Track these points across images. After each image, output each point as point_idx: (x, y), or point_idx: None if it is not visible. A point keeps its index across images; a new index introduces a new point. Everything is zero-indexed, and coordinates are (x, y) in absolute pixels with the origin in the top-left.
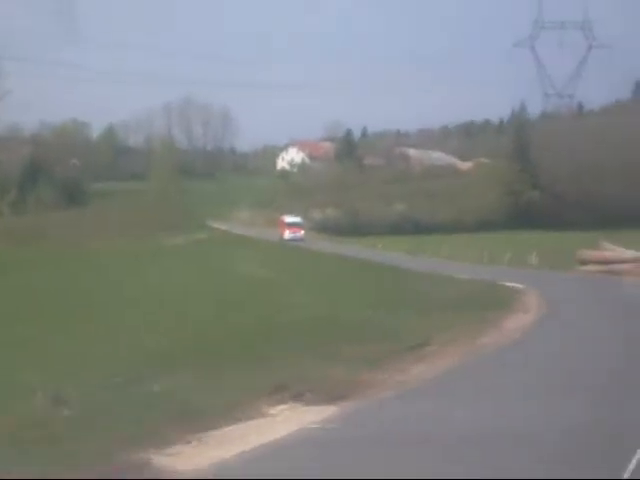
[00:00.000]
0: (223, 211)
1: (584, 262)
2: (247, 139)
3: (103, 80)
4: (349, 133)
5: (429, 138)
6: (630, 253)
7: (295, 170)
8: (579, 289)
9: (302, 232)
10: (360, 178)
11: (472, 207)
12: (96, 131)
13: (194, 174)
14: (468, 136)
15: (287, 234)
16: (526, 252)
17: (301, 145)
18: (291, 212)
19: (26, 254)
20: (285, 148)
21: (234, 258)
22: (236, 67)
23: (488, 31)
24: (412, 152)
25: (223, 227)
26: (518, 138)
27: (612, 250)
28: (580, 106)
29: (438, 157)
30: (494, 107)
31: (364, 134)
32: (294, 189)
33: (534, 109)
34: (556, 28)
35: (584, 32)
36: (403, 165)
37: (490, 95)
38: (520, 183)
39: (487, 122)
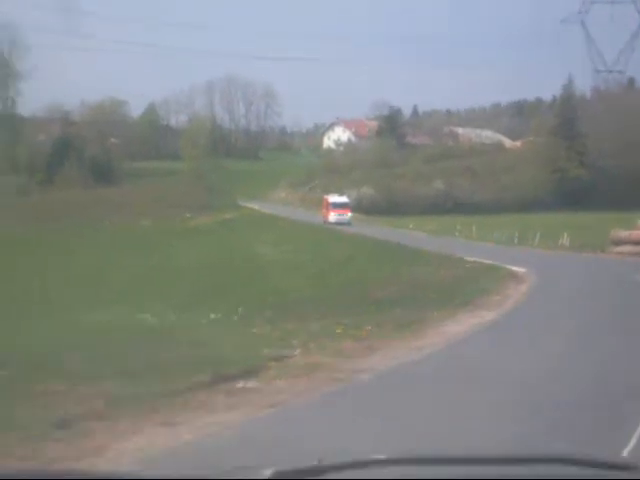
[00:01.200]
0: (262, 190)
1: (618, 242)
2: (293, 117)
3: (141, 56)
4: (392, 110)
5: (480, 117)
6: None
7: (341, 149)
8: (586, 275)
9: (349, 214)
10: (401, 156)
11: (515, 186)
12: (136, 110)
13: (236, 153)
14: (520, 115)
15: (332, 216)
16: (561, 233)
17: (347, 124)
18: (328, 191)
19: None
20: (331, 127)
21: (248, 238)
22: (281, 43)
23: (539, 7)
24: (460, 130)
25: (256, 206)
26: (565, 115)
27: None
28: (631, 81)
29: (487, 135)
30: (546, 85)
31: (414, 113)
32: (332, 167)
33: (584, 86)
34: (606, 2)
35: (635, 6)
36: (451, 143)
37: (541, 73)
38: (566, 161)
39: (539, 100)
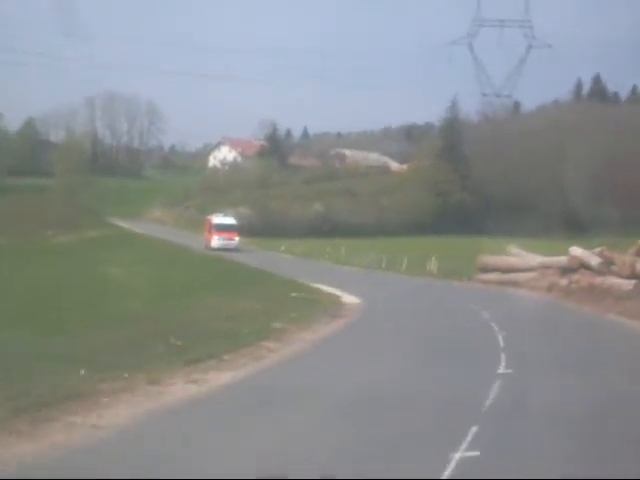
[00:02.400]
0: (139, 209)
1: (485, 269)
2: (180, 136)
3: (21, 68)
4: (275, 129)
5: (371, 140)
6: (538, 260)
7: (227, 168)
8: (421, 311)
9: (236, 238)
10: (283, 176)
11: (397, 209)
12: (14, 124)
13: (119, 171)
14: (409, 139)
15: (215, 241)
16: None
17: (234, 143)
18: (205, 211)
19: None
20: (217, 146)
21: (103, 258)
22: (171, 57)
23: (430, 29)
24: (348, 153)
25: (126, 226)
26: (449, 138)
27: (518, 256)
28: (517, 106)
29: (374, 158)
30: (436, 109)
31: (305, 135)
32: (209, 186)
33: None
34: (495, 26)
35: (524, 31)
36: (338, 165)
37: (432, 97)
38: (449, 184)
39: (429, 125)
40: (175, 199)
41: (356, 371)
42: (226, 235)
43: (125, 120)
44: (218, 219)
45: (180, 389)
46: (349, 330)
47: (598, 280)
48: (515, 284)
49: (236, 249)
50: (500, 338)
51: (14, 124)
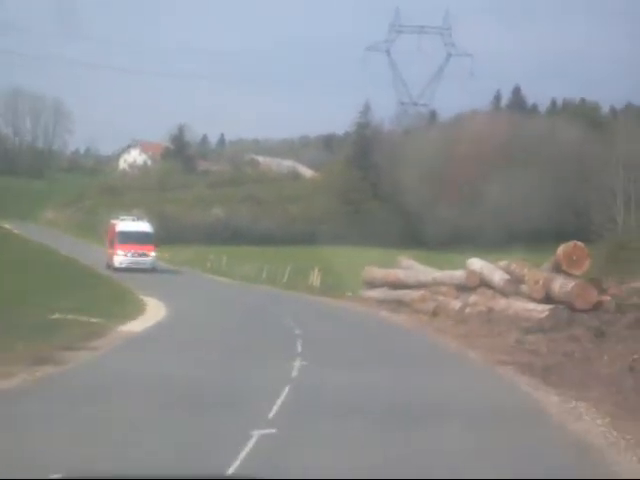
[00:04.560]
0: (35, 211)
1: (372, 284)
2: (90, 138)
3: None
4: (181, 132)
5: (289, 149)
6: (431, 275)
7: (136, 172)
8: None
9: (152, 254)
10: (186, 180)
11: (307, 217)
12: None
13: (20, 171)
14: (327, 148)
15: (120, 257)
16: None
17: (145, 146)
18: (99, 214)
19: None
20: (127, 149)
21: None
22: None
23: (349, 39)
24: (261, 159)
25: (7, 226)
26: (359, 145)
27: (408, 269)
28: (433, 115)
29: (288, 165)
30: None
31: (221, 141)
32: (105, 188)
33: (388, 117)
34: (414, 33)
35: (443, 39)
36: (250, 172)
37: (351, 106)
38: (359, 192)
39: (347, 134)
40: (69, 200)
41: None
42: (136, 248)
43: (29, 118)
44: (124, 225)
45: None
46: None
47: (502, 303)
48: (399, 303)
49: (151, 268)
50: None
51: None
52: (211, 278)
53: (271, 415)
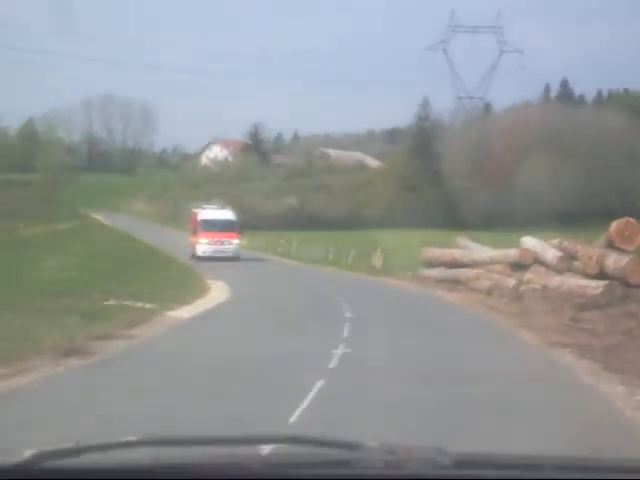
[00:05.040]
0: (125, 203)
1: (430, 264)
2: (176, 136)
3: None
4: (257, 129)
5: (356, 142)
6: (485, 253)
7: (216, 166)
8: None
9: (235, 241)
10: (261, 173)
11: (371, 203)
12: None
13: (114, 168)
14: (392, 141)
15: (203, 246)
16: (380, 252)
17: (225, 143)
18: (184, 205)
19: None
20: (209, 146)
21: (54, 249)
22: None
23: (408, 39)
24: (332, 152)
25: (99, 217)
26: (420, 136)
27: (465, 248)
28: (488, 107)
29: (357, 157)
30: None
31: (295, 138)
32: (187, 180)
33: (446, 111)
34: (468, 32)
35: (495, 37)
36: (321, 164)
37: (412, 101)
38: (419, 179)
39: (409, 126)
40: (156, 193)
41: None
42: (219, 236)
43: (120, 120)
44: (207, 213)
45: None
46: None
47: (555, 280)
48: (456, 282)
49: (234, 257)
50: None
51: (14, 123)
52: (280, 261)
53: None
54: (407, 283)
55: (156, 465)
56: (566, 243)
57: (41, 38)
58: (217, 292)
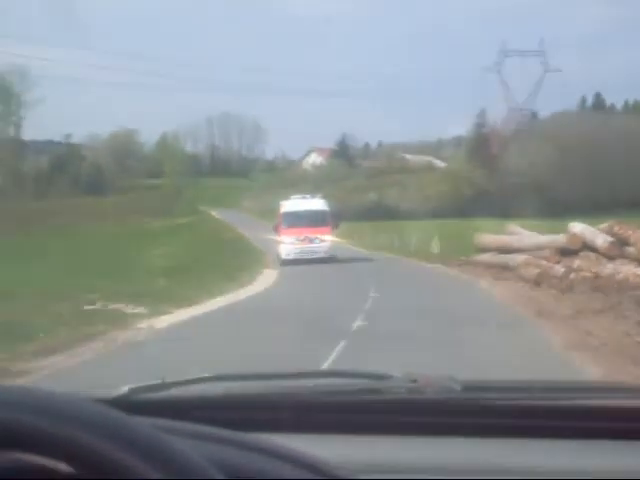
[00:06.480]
0: (236, 201)
1: (483, 249)
2: (283, 146)
3: (147, 91)
4: (344, 137)
5: (429, 148)
6: (534, 239)
7: (313, 170)
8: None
9: (327, 237)
10: (347, 174)
11: (437, 197)
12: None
13: (232, 174)
14: (457, 145)
15: (286, 247)
16: (439, 240)
17: (320, 151)
18: (276, 200)
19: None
20: (308, 154)
21: (168, 239)
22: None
23: (467, 61)
24: (409, 156)
25: (214, 213)
26: (478, 140)
27: (515, 234)
28: (534, 116)
29: (428, 159)
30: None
31: (380, 146)
32: (284, 180)
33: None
34: (517, 55)
35: (539, 59)
36: (398, 165)
37: (472, 112)
38: (478, 177)
39: (469, 132)
40: (261, 191)
41: None
42: (308, 232)
43: (236, 133)
44: (292, 204)
45: None
46: None
47: (608, 268)
48: (505, 268)
49: (327, 257)
50: None
51: (150, 138)
52: (348, 247)
53: None
54: (455, 270)
55: (227, 395)
56: (617, 227)
57: (170, 68)
58: (267, 277)
